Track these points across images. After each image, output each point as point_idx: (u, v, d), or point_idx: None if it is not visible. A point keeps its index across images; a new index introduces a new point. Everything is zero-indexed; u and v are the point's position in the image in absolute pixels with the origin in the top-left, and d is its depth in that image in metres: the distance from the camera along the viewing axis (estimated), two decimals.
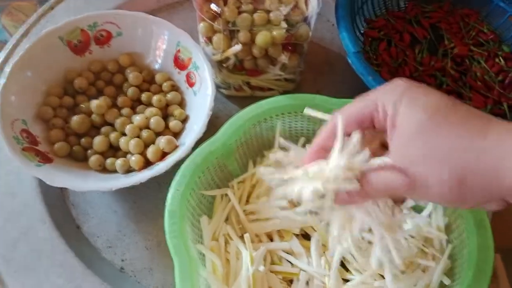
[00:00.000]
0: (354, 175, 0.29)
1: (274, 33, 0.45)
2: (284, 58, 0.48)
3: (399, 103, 0.27)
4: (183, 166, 0.40)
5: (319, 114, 0.35)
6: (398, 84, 0.28)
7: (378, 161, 0.28)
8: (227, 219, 0.44)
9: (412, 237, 0.42)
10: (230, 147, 0.43)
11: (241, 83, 0.52)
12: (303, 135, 0.48)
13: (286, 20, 0.45)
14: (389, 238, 0.32)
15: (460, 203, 0.26)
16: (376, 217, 0.32)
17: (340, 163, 0.29)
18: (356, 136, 0.30)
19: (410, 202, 0.43)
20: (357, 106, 0.30)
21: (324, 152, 0.31)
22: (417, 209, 0.43)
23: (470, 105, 0.49)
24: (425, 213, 0.42)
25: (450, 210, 0.41)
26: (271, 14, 0.45)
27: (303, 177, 0.31)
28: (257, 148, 0.47)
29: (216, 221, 0.43)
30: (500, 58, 0.56)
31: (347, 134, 0.30)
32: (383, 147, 0.31)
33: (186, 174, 0.40)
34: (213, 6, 0.43)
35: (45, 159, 0.42)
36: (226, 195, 0.44)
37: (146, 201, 0.47)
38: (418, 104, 0.27)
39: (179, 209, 0.39)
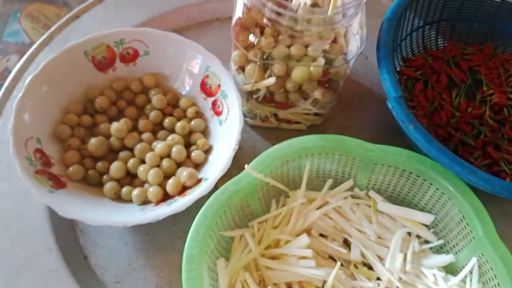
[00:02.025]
0: None
1: (311, 69, 0.42)
2: (317, 94, 0.46)
3: None
4: (205, 206, 0.38)
5: None
6: None
7: None
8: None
9: None
10: (255, 187, 0.41)
11: (269, 114, 0.50)
12: (331, 176, 0.45)
13: (323, 55, 0.42)
14: None
15: None
16: None
17: None
18: None
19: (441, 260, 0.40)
20: None
21: None
22: (450, 271, 0.40)
23: (508, 159, 0.48)
24: (460, 276, 0.39)
25: (487, 276, 0.38)
26: (309, 48, 0.42)
27: None
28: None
29: (233, 265, 0.40)
30: None
31: None
32: None
33: (208, 214, 0.37)
34: (251, 37, 0.40)
35: (58, 183, 0.39)
36: None
37: (159, 233, 0.44)
38: None
39: (198, 253, 0.36)
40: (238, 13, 0.41)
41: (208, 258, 0.38)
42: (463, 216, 0.39)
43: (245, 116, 0.51)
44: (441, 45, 0.58)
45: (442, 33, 0.58)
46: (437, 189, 0.41)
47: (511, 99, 0.53)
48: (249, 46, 0.42)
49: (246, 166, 0.39)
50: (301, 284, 0.40)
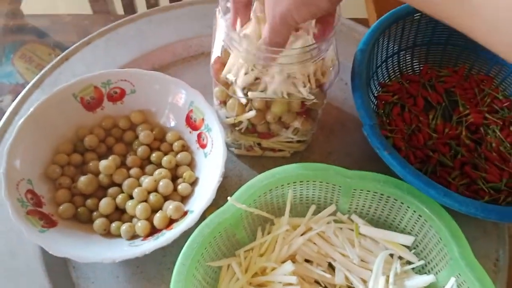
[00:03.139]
0: None
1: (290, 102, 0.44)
2: (297, 123, 0.48)
3: None
4: (190, 239, 0.39)
5: None
6: None
7: None
8: None
9: None
10: (239, 217, 0.42)
11: (252, 144, 0.52)
12: (314, 202, 0.47)
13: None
14: None
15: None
16: None
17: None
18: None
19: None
20: None
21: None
22: None
23: (485, 178, 0.49)
24: None
25: None
26: None
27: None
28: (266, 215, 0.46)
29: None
30: None
31: None
32: None
33: (193, 247, 0.39)
34: (229, 76, 0.42)
35: (49, 222, 0.41)
36: None
37: (149, 265, 0.46)
38: None
39: (184, 286, 0.37)
40: (217, 52, 0.44)
41: None
42: (440, 238, 0.41)
43: (230, 146, 0.53)
44: (417, 69, 0.60)
45: (417, 57, 0.60)
46: (414, 211, 0.42)
47: (487, 118, 0.55)
48: (228, 84, 0.44)
49: (229, 198, 0.41)
50: None
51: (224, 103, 0.47)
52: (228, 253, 0.44)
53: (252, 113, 0.46)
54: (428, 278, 0.42)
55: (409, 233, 0.44)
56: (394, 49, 0.58)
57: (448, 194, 0.40)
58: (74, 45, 0.59)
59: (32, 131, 0.45)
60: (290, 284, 0.41)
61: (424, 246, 0.43)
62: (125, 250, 0.40)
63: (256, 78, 0.42)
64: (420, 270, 0.44)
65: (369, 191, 0.44)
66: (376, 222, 0.46)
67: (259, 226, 0.46)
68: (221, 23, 0.42)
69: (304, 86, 0.43)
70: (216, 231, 0.41)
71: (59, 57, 0.57)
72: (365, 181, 0.43)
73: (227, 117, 0.48)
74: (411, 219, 0.43)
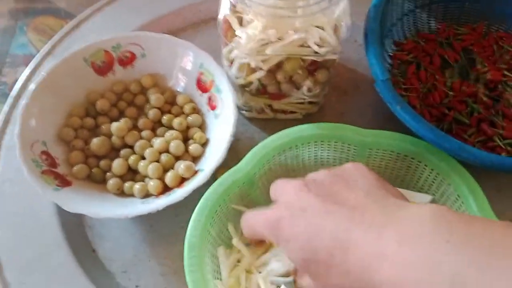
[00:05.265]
0: None
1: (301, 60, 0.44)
2: (308, 83, 0.47)
3: None
4: (204, 196, 0.39)
5: None
6: None
7: None
8: None
9: None
10: (253, 176, 0.42)
11: (264, 106, 0.51)
12: (329, 164, 0.46)
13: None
14: None
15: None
16: None
17: None
18: None
19: None
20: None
21: None
22: None
23: (502, 135, 0.48)
24: None
25: None
26: None
27: None
28: (280, 176, 0.45)
29: (235, 253, 0.41)
30: None
31: None
32: None
33: (207, 204, 0.39)
34: (238, 32, 0.42)
35: (63, 182, 0.42)
36: None
37: (162, 224, 0.46)
38: None
39: (199, 240, 0.38)
40: (225, 10, 0.43)
41: (210, 245, 0.39)
42: (458, 195, 0.40)
43: (241, 109, 0.53)
44: (434, 27, 0.58)
45: (434, 15, 0.58)
46: (432, 170, 0.42)
47: (506, 75, 0.54)
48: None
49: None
50: None
51: (233, 63, 0.47)
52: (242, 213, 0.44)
53: (261, 73, 0.45)
54: None
55: (426, 192, 0.43)
56: (410, 6, 0.56)
57: (462, 147, 0.40)
58: (84, 13, 0.59)
59: (45, 95, 0.45)
60: None
61: (442, 204, 0.42)
62: (139, 207, 0.41)
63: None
64: None
65: (385, 151, 0.43)
66: (393, 183, 0.45)
67: None
68: None
69: (316, 42, 0.43)
70: (230, 189, 0.41)
71: (69, 25, 0.57)
72: (381, 139, 0.43)
73: (237, 78, 0.47)
74: (428, 178, 0.43)
